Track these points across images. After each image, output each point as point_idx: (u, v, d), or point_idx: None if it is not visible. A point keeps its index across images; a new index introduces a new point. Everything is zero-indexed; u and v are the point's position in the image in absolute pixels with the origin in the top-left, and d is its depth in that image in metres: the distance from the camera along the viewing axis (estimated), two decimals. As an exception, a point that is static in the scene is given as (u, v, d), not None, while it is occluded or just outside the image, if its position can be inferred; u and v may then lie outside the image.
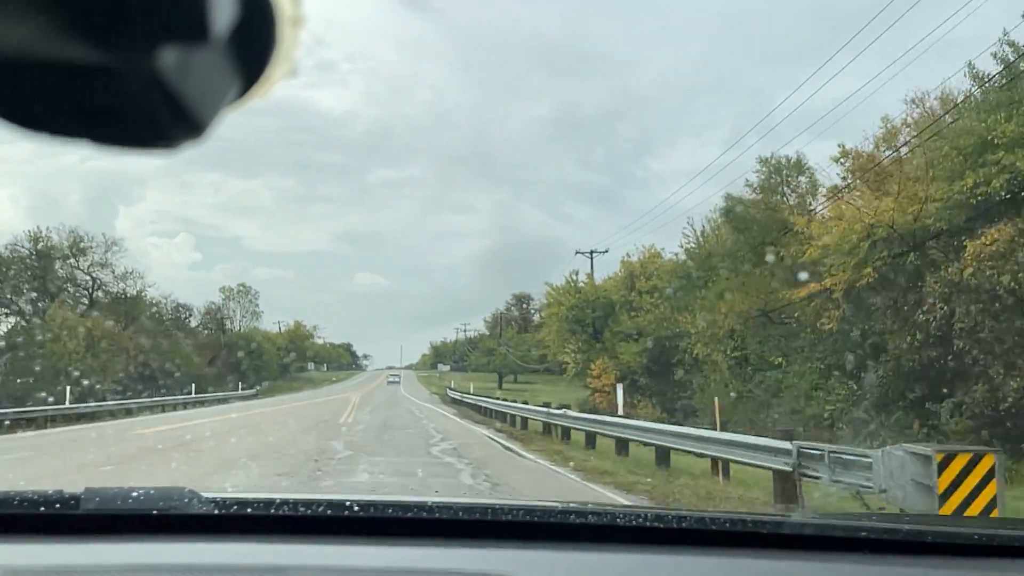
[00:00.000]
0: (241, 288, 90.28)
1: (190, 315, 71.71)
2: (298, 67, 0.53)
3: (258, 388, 61.12)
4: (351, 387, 79.89)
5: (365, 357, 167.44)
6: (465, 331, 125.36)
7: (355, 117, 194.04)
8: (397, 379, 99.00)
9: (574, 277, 46.66)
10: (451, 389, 56.70)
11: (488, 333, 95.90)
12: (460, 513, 1.68)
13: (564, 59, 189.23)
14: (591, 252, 48.15)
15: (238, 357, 65.09)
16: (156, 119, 0.47)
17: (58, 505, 1.56)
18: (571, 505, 1.72)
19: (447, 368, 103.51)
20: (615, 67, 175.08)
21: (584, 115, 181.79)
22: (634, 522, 1.61)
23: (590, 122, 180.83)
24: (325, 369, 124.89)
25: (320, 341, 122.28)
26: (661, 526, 1.61)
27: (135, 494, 1.59)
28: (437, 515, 1.65)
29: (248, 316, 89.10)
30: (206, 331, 72.33)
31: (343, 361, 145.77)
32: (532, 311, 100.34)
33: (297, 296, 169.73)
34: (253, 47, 0.50)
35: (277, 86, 0.54)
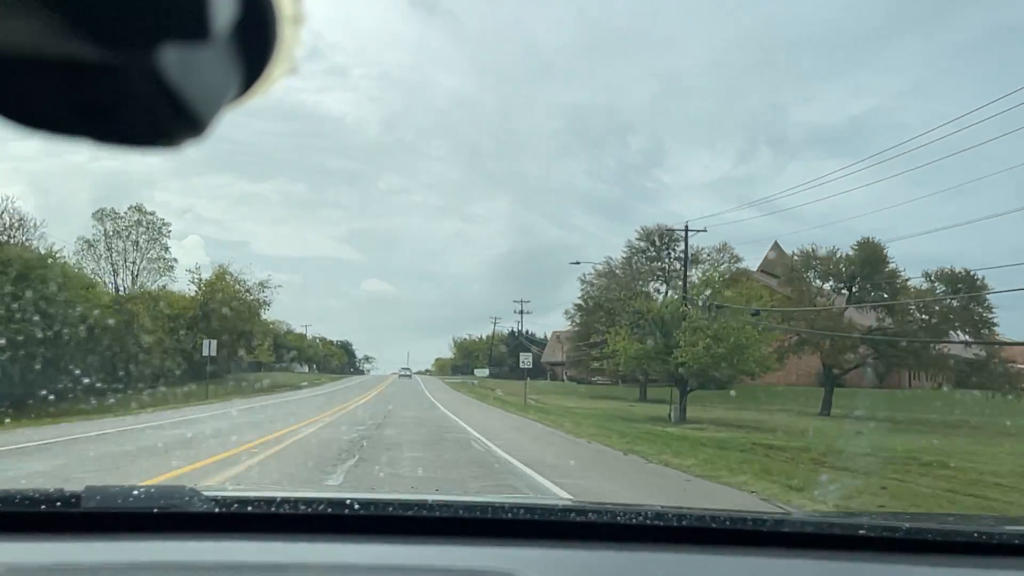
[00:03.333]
0: (138, 215, 46.58)
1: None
2: (298, 65, 0.53)
3: None
4: (270, 417, 22.83)
5: (367, 359, 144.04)
6: (522, 311, 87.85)
7: (366, 123, 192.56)
8: (408, 373, 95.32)
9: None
10: None
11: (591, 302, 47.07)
12: (461, 511, 1.68)
13: (576, 67, 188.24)
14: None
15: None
16: (157, 117, 0.47)
17: (59, 503, 1.57)
18: (572, 503, 1.72)
19: (485, 372, 74.75)
20: (627, 77, 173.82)
21: (595, 125, 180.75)
22: (635, 520, 1.62)
23: (601, 132, 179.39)
24: (307, 369, 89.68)
25: (287, 328, 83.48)
26: (662, 524, 1.62)
27: (136, 492, 1.59)
28: (438, 513, 1.65)
29: (154, 266, 46.76)
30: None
31: (337, 362, 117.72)
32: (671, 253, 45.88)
33: (304, 301, 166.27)
34: (254, 45, 0.50)
35: (283, 87, 0.54)
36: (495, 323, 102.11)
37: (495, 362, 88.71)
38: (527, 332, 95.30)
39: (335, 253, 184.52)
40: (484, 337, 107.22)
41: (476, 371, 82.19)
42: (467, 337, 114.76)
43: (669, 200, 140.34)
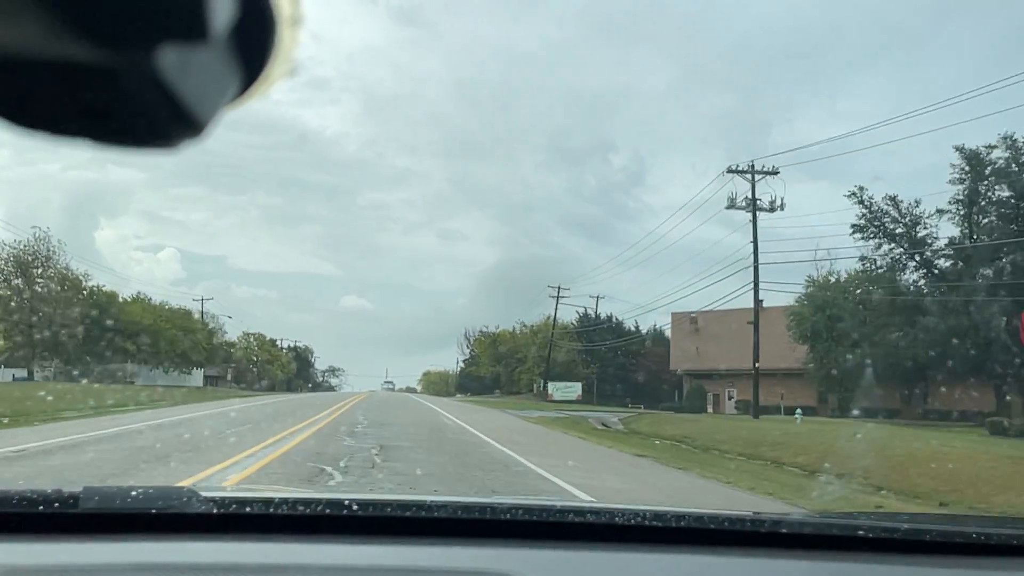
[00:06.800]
0: None
1: None
2: (297, 67, 0.54)
3: None
4: None
5: (333, 372, 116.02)
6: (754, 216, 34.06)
7: (345, 137, 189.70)
8: (391, 387, 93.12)
9: None
10: None
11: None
12: (459, 512, 1.68)
13: (558, 81, 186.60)
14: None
15: None
16: (155, 118, 0.48)
17: (57, 504, 1.56)
18: (570, 504, 1.74)
19: (574, 390, 47.10)
20: (609, 93, 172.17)
21: (578, 143, 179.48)
22: (633, 521, 1.62)
23: (583, 150, 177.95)
24: (226, 384, 61.36)
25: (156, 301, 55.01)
26: (660, 525, 1.63)
27: (134, 493, 1.59)
28: (436, 514, 1.65)
29: None
30: None
31: (281, 373, 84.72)
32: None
33: (281, 316, 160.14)
34: (252, 46, 0.50)
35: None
36: (558, 297, 57.40)
37: (556, 374, 53.93)
38: (609, 316, 54.90)
39: (312, 268, 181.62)
40: (523, 329, 66.59)
41: (554, 390, 46.24)
42: (488, 330, 73.56)
43: (650, 219, 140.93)
